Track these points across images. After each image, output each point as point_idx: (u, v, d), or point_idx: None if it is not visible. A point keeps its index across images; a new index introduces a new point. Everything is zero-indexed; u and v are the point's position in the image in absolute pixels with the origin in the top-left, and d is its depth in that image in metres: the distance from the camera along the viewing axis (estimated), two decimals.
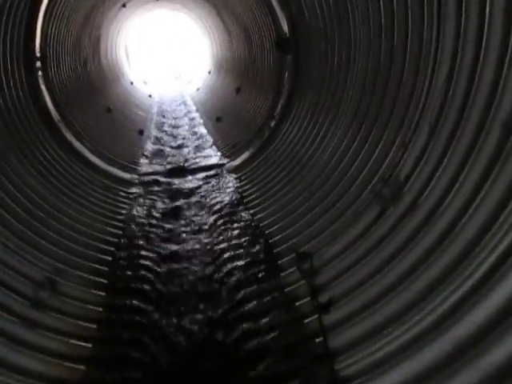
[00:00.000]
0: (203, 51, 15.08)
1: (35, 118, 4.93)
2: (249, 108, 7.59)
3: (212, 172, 5.90)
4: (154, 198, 5.00)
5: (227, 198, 4.71)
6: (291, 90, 5.60)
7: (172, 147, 7.51)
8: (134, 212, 4.59)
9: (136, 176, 5.87)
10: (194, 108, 11.40)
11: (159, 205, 4.77)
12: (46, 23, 5.17)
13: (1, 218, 3.35)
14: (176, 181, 5.69)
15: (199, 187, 5.33)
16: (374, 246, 2.79)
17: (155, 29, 20.31)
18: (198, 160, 6.54)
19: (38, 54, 5.11)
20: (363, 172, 3.36)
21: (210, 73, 13.54)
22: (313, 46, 4.80)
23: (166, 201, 4.88)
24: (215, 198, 4.84)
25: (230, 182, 5.32)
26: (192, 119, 9.98)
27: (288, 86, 5.68)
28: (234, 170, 5.77)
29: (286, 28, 5.53)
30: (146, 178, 5.81)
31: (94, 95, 7.94)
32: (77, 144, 5.61)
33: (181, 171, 6.11)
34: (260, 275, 3.34)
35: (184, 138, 8.16)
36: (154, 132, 8.74)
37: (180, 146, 7.50)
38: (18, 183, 3.99)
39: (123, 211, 4.62)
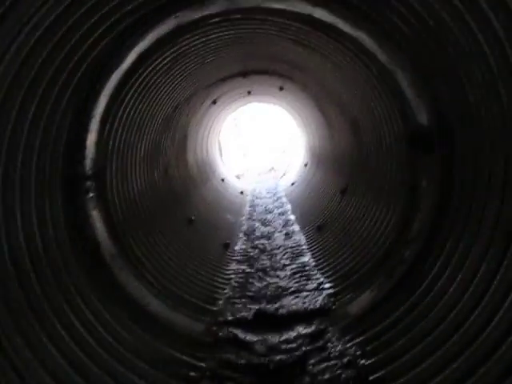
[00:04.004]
0: (298, 142, 14.08)
1: (74, 259, 3.61)
2: (361, 218, 5.72)
3: (317, 326, 3.96)
4: None
5: None
6: (440, 207, 3.65)
7: (262, 271, 5.79)
8: None
9: (211, 327, 4.17)
10: (289, 207, 9.87)
11: None
12: (102, 132, 4.06)
13: None
14: (263, 342, 3.84)
15: (299, 363, 3.40)
16: None
17: (248, 120, 20.19)
18: (294, 298, 4.67)
19: (90, 172, 3.95)
20: None
21: (306, 165, 12.18)
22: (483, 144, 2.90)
23: None
24: None
25: (348, 359, 3.31)
26: (287, 224, 8.35)
27: (431, 200, 3.74)
28: (350, 329, 3.76)
29: (423, 118, 3.76)
30: (223, 332, 4.06)
31: (174, 206, 6.76)
32: (132, 286, 4.17)
33: (270, 320, 4.28)
34: None
35: (277, 256, 6.45)
36: (242, 245, 7.19)
37: (271, 271, 5.75)
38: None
39: None
